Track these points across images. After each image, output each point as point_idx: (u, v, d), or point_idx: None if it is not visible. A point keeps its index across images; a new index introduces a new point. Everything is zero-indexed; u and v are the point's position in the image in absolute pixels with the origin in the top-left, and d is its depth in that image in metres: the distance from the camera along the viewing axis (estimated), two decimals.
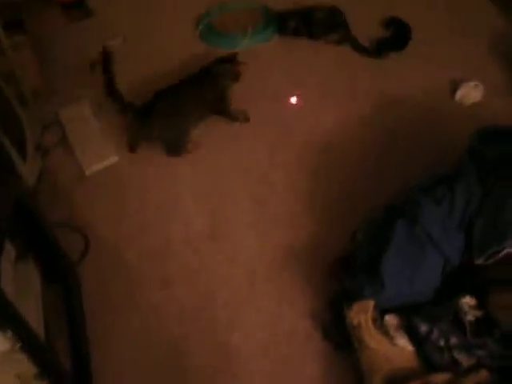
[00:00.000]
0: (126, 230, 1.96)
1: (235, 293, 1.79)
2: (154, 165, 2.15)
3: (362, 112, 2.32)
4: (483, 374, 1.41)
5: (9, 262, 1.36)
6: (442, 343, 1.46)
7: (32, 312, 1.39)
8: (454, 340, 1.46)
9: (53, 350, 1.45)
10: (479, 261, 1.50)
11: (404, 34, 2.59)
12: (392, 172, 2.07)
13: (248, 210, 2.01)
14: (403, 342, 1.49)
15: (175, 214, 2.01)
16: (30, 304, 1.42)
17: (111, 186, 2.09)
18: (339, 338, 1.61)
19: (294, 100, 2.36)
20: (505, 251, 1.47)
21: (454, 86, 2.36)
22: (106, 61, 2.32)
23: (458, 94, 2.33)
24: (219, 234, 1.94)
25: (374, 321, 1.51)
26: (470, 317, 1.49)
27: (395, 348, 1.48)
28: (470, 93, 2.32)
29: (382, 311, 1.53)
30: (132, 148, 2.19)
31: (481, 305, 1.50)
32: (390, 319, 1.53)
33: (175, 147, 2.16)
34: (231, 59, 2.25)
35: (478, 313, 1.50)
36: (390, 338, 1.49)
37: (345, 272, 1.69)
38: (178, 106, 2.13)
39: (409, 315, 1.51)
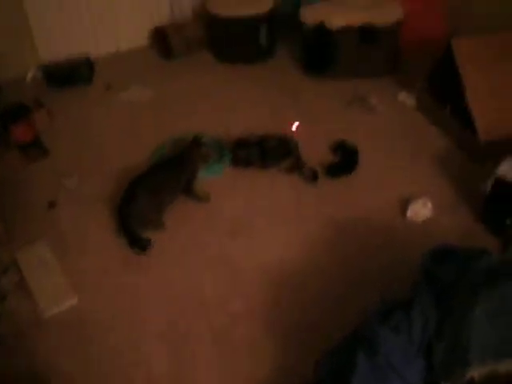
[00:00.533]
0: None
1: None
2: (115, 306, 2.11)
3: (314, 237, 2.36)
4: None
5: None
6: None
7: None
8: None
9: None
10: None
11: (352, 157, 2.75)
12: (350, 296, 2.09)
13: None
14: None
15: (137, 357, 1.93)
16: None
17: (72, 328, 2.03)
18: None
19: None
20: (468, 376, 1.46)
21: (405, 205, 2.45)
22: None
23: (409, 212, 2.43)
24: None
25: None
26: None
27: None
28: (420, 210, 2.42)
29: None
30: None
31: None
32: None
33: (154, 225, 2.39)
34: (198, 143, 2.56)
35: None
36: None
37: None
38: (158, 190, 2.38)
39: None
